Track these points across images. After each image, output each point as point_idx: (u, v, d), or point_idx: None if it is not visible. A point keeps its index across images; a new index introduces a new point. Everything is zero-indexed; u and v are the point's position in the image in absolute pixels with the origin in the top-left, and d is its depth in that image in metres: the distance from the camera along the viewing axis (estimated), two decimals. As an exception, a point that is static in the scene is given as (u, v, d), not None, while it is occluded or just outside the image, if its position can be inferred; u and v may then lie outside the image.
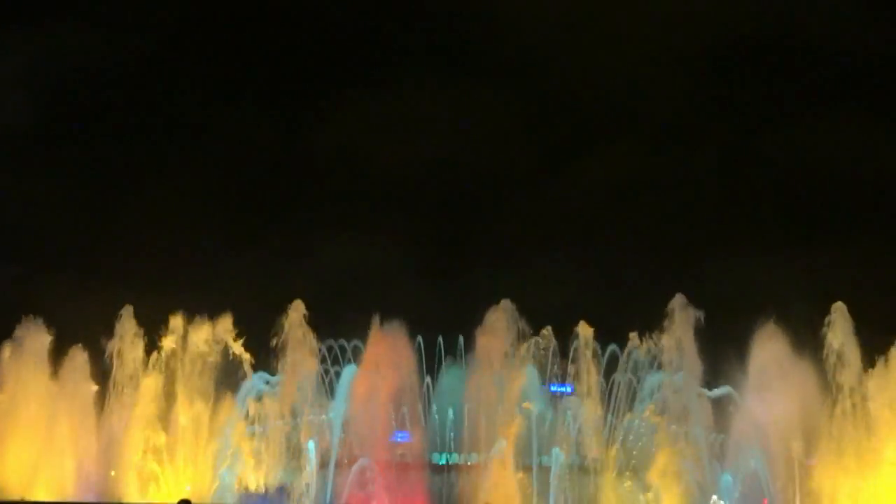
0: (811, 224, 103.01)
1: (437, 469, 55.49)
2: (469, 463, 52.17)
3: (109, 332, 56.68)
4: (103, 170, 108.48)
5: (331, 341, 62.91)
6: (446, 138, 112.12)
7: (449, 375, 64.48)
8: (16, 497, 50.06)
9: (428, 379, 63.71)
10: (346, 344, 63.23)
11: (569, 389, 58.53)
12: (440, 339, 66.62)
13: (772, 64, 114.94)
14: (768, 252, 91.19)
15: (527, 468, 52.52)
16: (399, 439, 58.20)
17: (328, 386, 61.77)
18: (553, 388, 60.46)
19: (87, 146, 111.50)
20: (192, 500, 29.25)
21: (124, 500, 52.41)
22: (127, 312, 56.70)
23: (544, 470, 52.80)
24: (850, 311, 54.18)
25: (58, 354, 56.38)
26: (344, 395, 57.19)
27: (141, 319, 57.14)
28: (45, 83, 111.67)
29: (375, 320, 57.84)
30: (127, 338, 56.48)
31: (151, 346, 56.88)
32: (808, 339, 53.55)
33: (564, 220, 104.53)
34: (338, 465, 53.91)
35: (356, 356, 61.37)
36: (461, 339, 64.97)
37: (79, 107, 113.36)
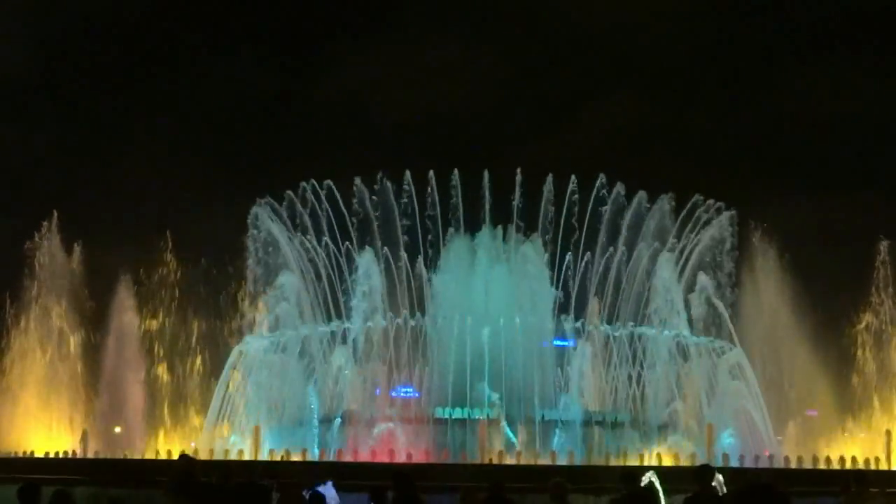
0: (813, 169, 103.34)
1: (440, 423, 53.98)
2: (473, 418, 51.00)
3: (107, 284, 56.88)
4: (101, 121, 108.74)
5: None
6: (446, 89, 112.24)
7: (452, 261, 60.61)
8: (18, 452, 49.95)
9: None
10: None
11: (571, 343, 58.49)
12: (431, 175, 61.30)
13: (773, 7, 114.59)
14: (769, 199, 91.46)
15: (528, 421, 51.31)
16: (404, 394, 57.79)
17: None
18: (555, 342, 60.33)
19: (86, 97, 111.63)
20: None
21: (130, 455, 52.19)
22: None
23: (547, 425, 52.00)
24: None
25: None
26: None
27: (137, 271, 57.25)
28: (41, 34, 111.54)
29: None
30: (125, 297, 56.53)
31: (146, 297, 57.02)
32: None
33: (565, 171, 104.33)
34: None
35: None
36: (456, 176, 60.85)
37: (76, 57, 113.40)
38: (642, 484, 19.55)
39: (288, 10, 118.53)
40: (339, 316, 57.58)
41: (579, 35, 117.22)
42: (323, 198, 58.85)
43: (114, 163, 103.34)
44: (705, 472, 17.72)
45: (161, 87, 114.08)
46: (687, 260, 57.04)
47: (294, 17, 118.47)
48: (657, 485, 24.67)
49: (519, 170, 61.06)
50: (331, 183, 58.87)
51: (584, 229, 60.26)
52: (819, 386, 54.91)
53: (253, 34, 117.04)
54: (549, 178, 60.94)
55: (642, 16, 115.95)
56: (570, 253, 60.31)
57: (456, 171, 60.53)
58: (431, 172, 60.64)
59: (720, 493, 17.77)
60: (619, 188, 60.09)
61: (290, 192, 58.61)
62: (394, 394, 57.08)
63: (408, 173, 59.96)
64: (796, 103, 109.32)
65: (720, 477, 18.00)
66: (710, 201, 58.32)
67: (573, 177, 60.68)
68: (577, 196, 60.26)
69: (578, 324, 57.59)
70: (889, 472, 44.75)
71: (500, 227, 60.20)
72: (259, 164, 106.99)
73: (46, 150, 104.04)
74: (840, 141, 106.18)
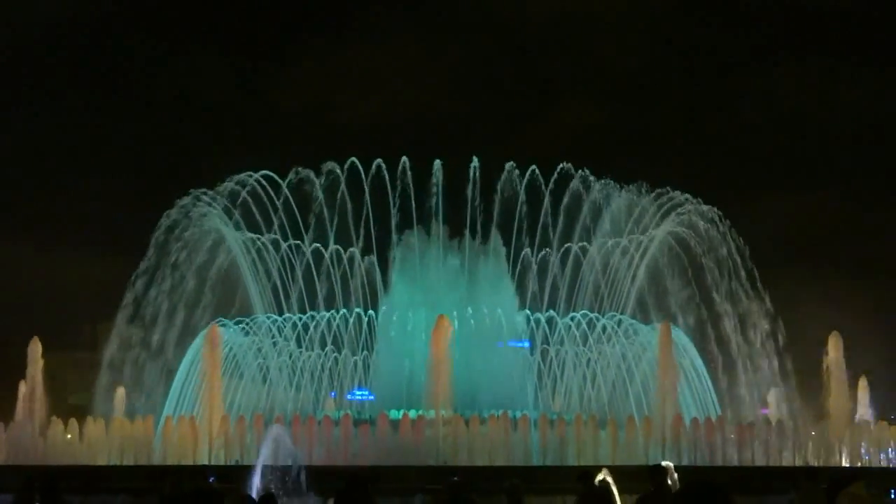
0: (781, 171, 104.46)
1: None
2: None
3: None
4: (60, 121, 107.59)
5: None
6: (410, 91, 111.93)
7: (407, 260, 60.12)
8: None
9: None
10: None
11: (526, 344, 58.50)
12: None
13: (739, 10, 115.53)
14: (736, 200, 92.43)
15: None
16: (360, 398, 57.42)
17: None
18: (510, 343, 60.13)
19: (45, 100, 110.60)
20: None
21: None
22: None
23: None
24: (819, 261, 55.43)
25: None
26: None
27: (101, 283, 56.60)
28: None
29: None
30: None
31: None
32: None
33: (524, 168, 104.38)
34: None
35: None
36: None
37: (36, 60, 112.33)
38: (596, 482, 19.61)
39: (250, 9, 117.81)
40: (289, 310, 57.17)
41: (541, 38, 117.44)
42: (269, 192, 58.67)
43: (66, 163, 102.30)
44: (658, 471, 17.78)
45: (119, 88, 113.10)
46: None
47: (256, 17, 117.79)
48: (611, 484, 24.78)
49: (475, 160, 61.19)
50: (273, 175, 58.68)
51: (540, 224, 60.56)
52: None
53: (215, 36, 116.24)
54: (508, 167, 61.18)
55: (604, 15, 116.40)
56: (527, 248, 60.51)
57: (406, 160, 60.38)
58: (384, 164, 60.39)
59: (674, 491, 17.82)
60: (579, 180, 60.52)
61: (238, 187, 58.13)
62: (349, 396, 56.80)
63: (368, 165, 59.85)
64: (757, 105, 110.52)
65: (675, 475, 18.04)
66: (676, 192, 58.95)
67: (533, 167, 60.91)
68: (540, 187, 60.58)
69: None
70: (842, 469, 45.15)
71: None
72: (215, 163, 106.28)
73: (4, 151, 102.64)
74: (799, 142, 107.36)
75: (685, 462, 42.36)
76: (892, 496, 20.27)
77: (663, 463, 26.50)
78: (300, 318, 55.79)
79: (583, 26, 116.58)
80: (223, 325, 51.47)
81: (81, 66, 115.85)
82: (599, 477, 24.61)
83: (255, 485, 25.53)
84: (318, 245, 59.00)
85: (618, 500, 22.65)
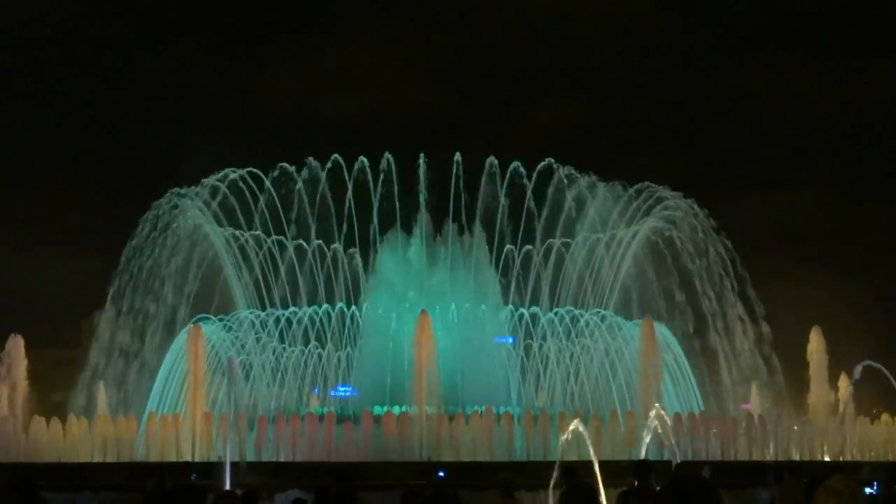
0: (766, 168, 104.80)
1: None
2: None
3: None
4: (39, 118, 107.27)
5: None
6: (396, 89, 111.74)
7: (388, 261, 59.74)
8: None
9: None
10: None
11: (510, 340, 58.58)
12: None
13: (725, 9, 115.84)
14: (721, 197, 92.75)
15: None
16: (344, 394, 57.39)
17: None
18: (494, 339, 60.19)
19: (24, 97, 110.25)
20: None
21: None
22: None
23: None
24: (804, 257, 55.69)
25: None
26: None
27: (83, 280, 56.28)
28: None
29: None
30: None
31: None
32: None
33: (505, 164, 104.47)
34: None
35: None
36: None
37: (13, 58, 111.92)
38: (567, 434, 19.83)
39: (229, 4, 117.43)
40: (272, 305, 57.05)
41: (529, 36, 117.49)
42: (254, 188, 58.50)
43: (46, 160, 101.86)
44: (643, 466, 17.85)
45: (102, 85, 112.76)
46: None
47: (235, 12, 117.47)
48: (582, 429, 25.07)
49: (458, 154, 60.88)
50: (257, 171, 58.48)
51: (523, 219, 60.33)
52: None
53: (193, 31, 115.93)
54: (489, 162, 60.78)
55: (582, 11, 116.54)
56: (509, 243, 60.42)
57: (389, 157, 60.15)
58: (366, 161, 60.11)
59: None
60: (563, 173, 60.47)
61: (220, 183, 57.88)
62: (332, 393, 56.73)
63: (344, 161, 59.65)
64: (744, 102, 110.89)
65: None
66: (659, 187, 59.11)
67: (517, 163, 60.68)
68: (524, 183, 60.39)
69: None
70: (822, 463, 45.39)
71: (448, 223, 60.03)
72: (198, 160, 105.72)
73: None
74: (785, 139, 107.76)
75: (667, 457, 42.43)
76: (874, 490, 20.37)
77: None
78: (283, 314, 55.75)
79: (571, 26, 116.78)
80: (205, 322, 51.29)
81: (62, 64, 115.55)
82: (571, 427, 25.01)
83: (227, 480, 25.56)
84: (301, 241, 58.96)
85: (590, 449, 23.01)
